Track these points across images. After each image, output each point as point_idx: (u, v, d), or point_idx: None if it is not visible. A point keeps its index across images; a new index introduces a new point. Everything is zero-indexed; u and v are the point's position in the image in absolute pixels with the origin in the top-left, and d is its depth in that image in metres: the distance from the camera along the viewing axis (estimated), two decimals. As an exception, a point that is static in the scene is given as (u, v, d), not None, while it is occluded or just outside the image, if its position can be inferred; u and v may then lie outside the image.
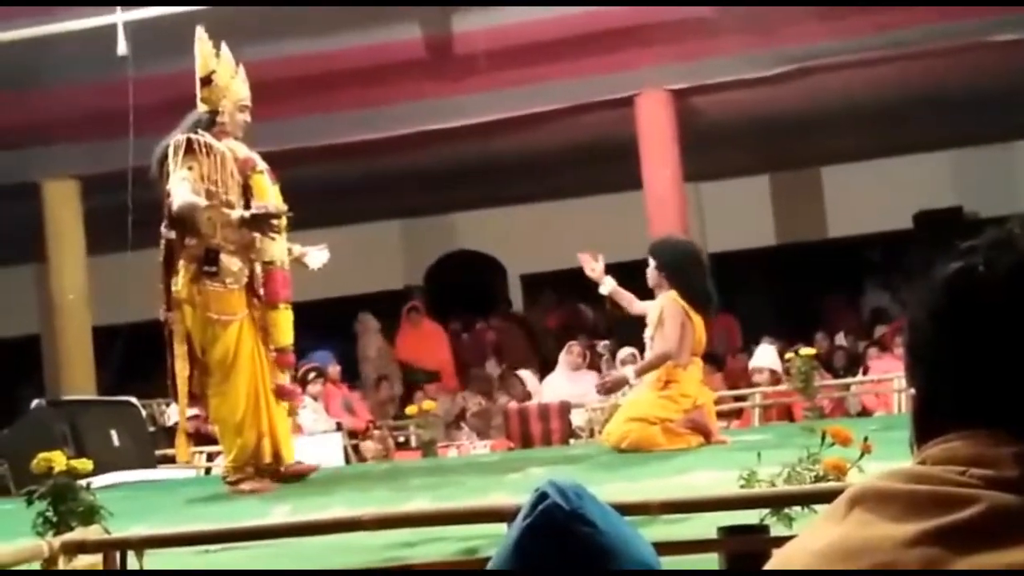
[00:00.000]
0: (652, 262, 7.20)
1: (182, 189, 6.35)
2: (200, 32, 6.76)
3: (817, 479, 3.67)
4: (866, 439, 3.67)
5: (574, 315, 14.87)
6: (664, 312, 6.98)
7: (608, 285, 7.38)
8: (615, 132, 11.81)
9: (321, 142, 12.04)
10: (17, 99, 11.75)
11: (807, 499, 3.34)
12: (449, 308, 15.60)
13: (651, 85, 11.57)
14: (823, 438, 3.81)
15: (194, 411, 7.88)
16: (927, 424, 1.34)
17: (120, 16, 9.01)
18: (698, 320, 7.14)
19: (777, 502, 3.36)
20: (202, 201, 6.38)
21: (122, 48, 8.88)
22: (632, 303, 7.33)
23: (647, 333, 7.15)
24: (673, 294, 7.01)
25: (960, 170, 15.19)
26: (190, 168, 6.40)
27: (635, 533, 1.42)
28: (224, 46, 6.77)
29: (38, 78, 11.45)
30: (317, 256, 6.92)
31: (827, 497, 3.33)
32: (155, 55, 10.31)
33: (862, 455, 3.68)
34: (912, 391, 1.38)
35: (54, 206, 12.71)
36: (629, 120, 11.69)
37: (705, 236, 15.23)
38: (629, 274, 14.04)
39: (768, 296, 15.43)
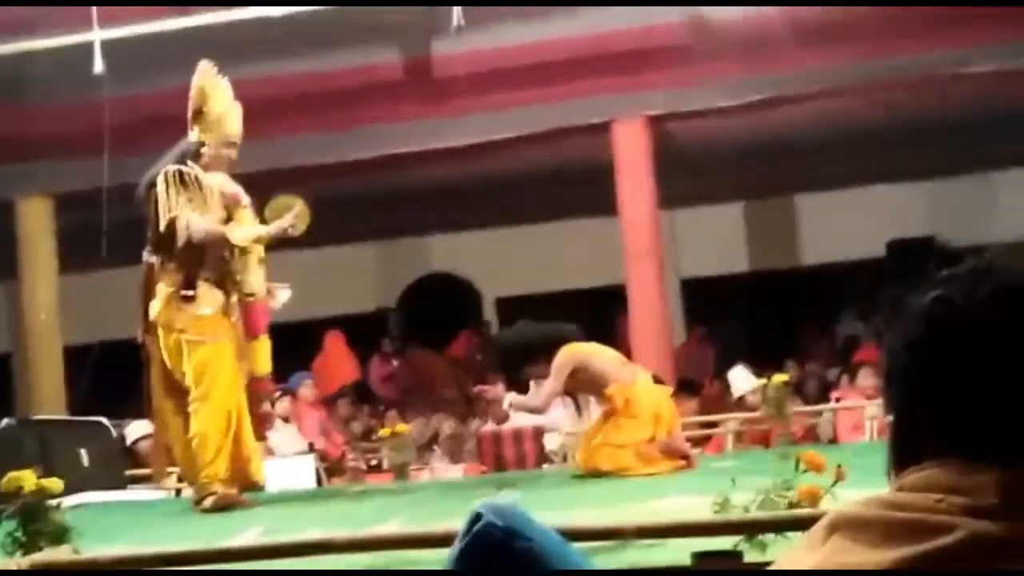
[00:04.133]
0: (534, 372, 7.09)
1: (196, 218, 6.44)
2: (203, 65, 6.78)
3: (791, 505, 3.67)
4: (839, 466, 3.68)
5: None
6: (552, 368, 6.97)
7: (507, 399, 7.32)
8: (592, 157, 11.84)
9: (296, 163, 12.02)
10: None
11: (781, 526, 3.34)
12: (423, 331, 15.60)
13: (628, 111, 11.62)
14: (797, 464, 3.82)
15: (147, 431, 7.93)
16: (904, 451, 1.35)
17: (97, 34, 8.99)
18: (595, 347, 7.15)
19: (751, 528, 3.37)
20: (223, 228, 6.50)
21: (98, 66, 8.87)
22: (541, 395, 7.17)
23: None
24: (562, 351, 6.95)
25: (934, 199, 15.29)
26: (189, 200, 6.46)
27: (573, 548, 1.43)
28: (226, 81, 6.77)
29: (12, 95, 11.41)
30: (283, 294, 6.99)
31: (801, 524, 3.33)
32: (131, 74, 10.30)
33: (835, 482, 3.69)
34: (890, 418, 1.39)
35: (27, 223, 12.62)
36: (606, 146, 11.73)
37: (679, 262, 15.30)
38: (605, 300, 14.17)
39: (741, 323, 15.48)
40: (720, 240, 15.77)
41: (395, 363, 14.62)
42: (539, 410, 7.04)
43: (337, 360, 13.98)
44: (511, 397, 7.24)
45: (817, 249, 15.77)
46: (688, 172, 13.14)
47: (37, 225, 12.63)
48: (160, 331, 6.57)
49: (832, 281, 15.54)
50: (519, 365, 7.09)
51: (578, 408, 10.84)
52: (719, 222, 15.82)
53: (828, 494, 3.67)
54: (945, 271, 1.43)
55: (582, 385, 7.15)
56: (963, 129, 12.58)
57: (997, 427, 1.28)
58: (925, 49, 10.76)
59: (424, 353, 14.63)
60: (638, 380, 7.02)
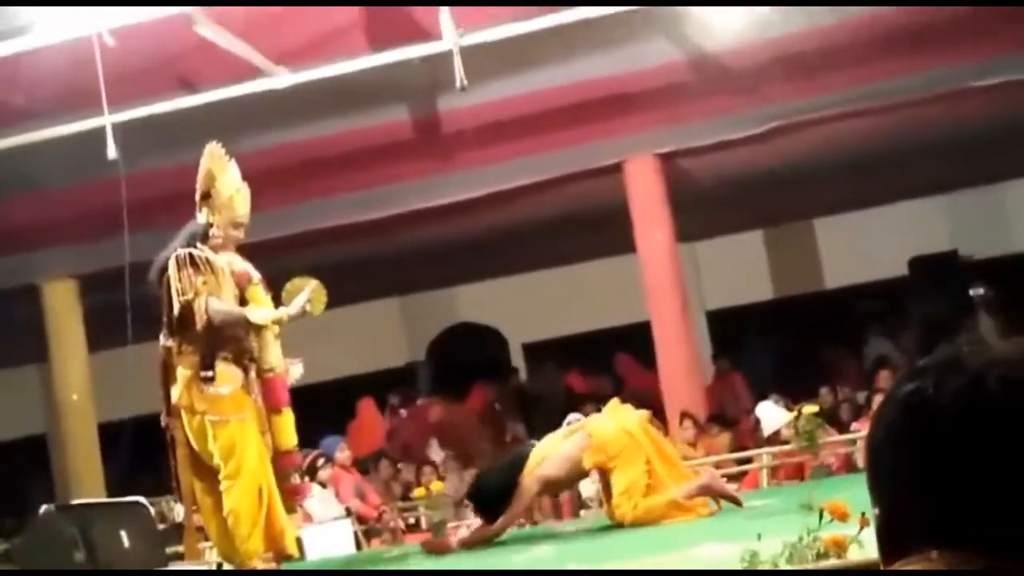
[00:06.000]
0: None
1: (215, 301, 6.50)
2: (210, 148, 6.84)
3: (818, 556, 3.66)
4: (863, 514, 3.66)
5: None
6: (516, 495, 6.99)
7: (455, 541, 7.28)
8: (607, 198, 11.90)
9: (317, 226, 12.14)
10: (13, 204, 11.87)
11: (809, 579, 3.33)
12: (452, 381, 15.62)
13: (638, 151, 11.67)
14: (820, 516, 3.81)
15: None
16: (891, 543, 1.37)
17: (108, 119, 9.10)
18: (547, 445, 7.12)
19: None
20: (243, 310, 6.54)
21: (111, 152, 8.95)
22: (501, 520, 7.08)
23: None
24: (523, 479, 6.94)
25: (952, 213, 15.25)
26: (204, 283, 6.52)
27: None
28: (233, 163, 6.83)
29: (32, 182, 11.56)
30: (295, 370, 7.02)
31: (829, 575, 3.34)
32: (146, 151, 10.43)
33: (861, 529, 3.68)
34: (875, 511, 1.41)
35: (54, 306, 12.79)
36: (619, 186, 11.78)
37: (702, 294, 15.30)
38: (627, 338, 14.18)
39: (769, 351, 15.42)
40: (743, 270, 15.74)
41: (402, 414, 14.61)
42: (497, 536, 7.01)
43: (369, 425, 14.13)
44: (459, 537, 7.23)
45: (840, 272, 15.73)
46: (705, 205, 13.17)
47: (63, 307, 12.79)
48: (183, 414, 6.61)
49: (857, 303, 15.49)
50: (498, 509, 7.07)
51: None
52: (740, 252, 15.81)
53: (854, 542, 3.66)
54: (920, 362, 1.45)
55: (563, 486, 7.13)
56: (976, 142, 12.56)
57: (976, 518, 1.30)
58: (932, 66, 10.76)
59: (448, 405, 14.63)
60: (594, 430, 6.97)
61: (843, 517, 3.77)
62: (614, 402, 7.36)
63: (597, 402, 12.57)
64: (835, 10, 10.41)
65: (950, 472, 1.30)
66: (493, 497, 6.99)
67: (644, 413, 7.22)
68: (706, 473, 7.31)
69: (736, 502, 6.92)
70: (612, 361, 15.11)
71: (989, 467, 1.28)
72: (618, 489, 6.78)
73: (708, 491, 6.97)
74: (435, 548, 7.10)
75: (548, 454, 7.04)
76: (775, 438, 9.51)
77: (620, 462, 6.77)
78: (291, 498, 6.89)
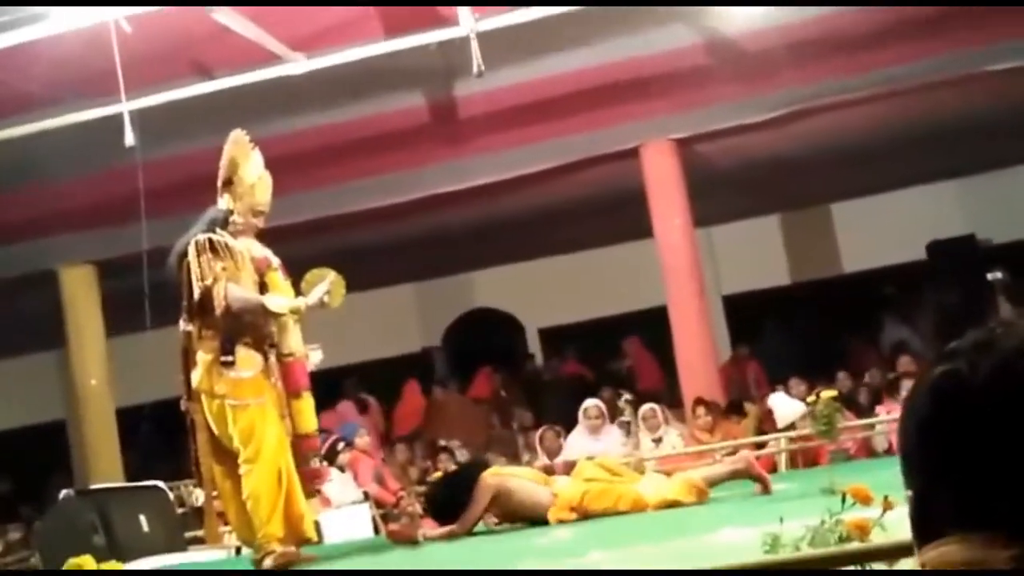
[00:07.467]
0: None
1: (233, 287, 6.51)
2: (235, 135, 6.82)
3: (841, 540, 3.66)
4: (886, 497, 3.66)
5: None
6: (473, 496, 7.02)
7: (420, 533, 7.29)
8: (623, 183, 11.90)
9: (333, 212, 12.16)
10: (30, 191, 11.91)
11: (831, 562, 3.32)
12: (465, 367, 15.65)
13: (655, 135, 11.67)
14: (843, 500, 3.80)
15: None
16: (924, 527, 1.37)
17: (125, 105, 9.11)
18: (513, 469, 7.24)
19: (803, 566, 3.36)
20: (261, 298, 6.56)
21: (129, 139, 8.96)
22: (461, 520, 7.01)
23: None
24: (481, 479, 6.98)
25: (969, 197, 15.22)
26: (224, 269, 6.53)
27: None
28: (257, 151, 6.83)
29: (49, 169, 11.60)
30: (315, 355, 7.02)
31: (851, 559, 3.34)
32: (163, 138, 10.46)
33: (884, 512, 3.67)
34: (908, 493, 1.41)
35: (72, 292, 12.84)
36: (636, 171, 11.77)
37: (719, 279, 15.28)
38: (646, 322, 14.18)
39: (786, 336, 15.40)
40: (759, 255, 15.74)
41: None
42: (458, 535, 7.01)
43: (411, 407, 14.25)
44: (424, 531, 7.24)
45: (857, 256, 15.71)
46: (721, 190, 13.16)
47: (81, 293, 12.84)
48: (203, 398, 6.63)
49: (875, 287, 15.46)
50: (452, 513, 7.07)
51: (628, 432, 10.88)
52: (757, 236, 15.80)
53: (877, 526, 3.65)
54: (952, 344, 1.45)
55: (514, 509, 7.13)
56: (991, 126, 12.54)
57: (1010, 502, 1.30)
58: (946, 51, 10.74)
59: (447, 394, 14.68)
60: (559, 490, 6.97)
61: (866, 500, 3.77)
62: (581, 466, 7.37)
63: (615, 386, 12.61)
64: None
65: (984, 453, 1.30)
66: (449, 499, 7.01)
67: (602, 461, 7.32)
68: (741, 457, 7.33)
69: (766, 487, 6.93)
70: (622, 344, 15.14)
71: (1022, 448, 1.28)
72: (624, 507, 6.80)
73: (743, 475, 6.97)
74: (401, 538, 7.11)
75: (517, 473, 7.15)
76: (789, 431, 9.47)
77: (596, 503, 6.78)
78: (310, 482, 6.89)
